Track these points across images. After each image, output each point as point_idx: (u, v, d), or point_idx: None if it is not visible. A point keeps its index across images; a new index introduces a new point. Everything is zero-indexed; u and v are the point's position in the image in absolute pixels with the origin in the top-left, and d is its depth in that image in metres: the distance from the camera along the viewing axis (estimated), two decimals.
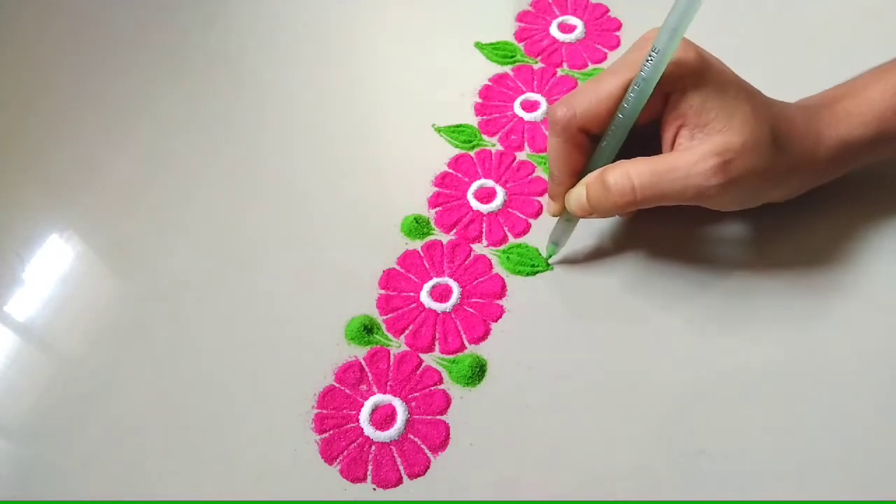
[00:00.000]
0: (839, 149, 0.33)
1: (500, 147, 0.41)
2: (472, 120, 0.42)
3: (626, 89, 0.31)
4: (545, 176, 0.39)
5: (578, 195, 0.33)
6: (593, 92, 0.32)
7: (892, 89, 0.33)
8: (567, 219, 0.35)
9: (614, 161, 0.33)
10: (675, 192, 0.31)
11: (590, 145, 0.33)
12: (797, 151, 0.32)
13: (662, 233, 0.37)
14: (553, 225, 0.36)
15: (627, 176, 0.31)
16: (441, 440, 0.31)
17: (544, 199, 0.37)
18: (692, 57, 0.31)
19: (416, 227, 0.38)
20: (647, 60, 0.30)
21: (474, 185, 0.39)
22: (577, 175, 0.34)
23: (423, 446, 0.31)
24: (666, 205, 0.32)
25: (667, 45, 0.29)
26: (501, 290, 0.36)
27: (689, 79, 0.31)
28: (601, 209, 0.32)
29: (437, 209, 0.38)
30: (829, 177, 0.35)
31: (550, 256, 0.36)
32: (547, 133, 0.37)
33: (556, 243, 0.36)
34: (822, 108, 0.34)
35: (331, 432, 0.32)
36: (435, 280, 0.36)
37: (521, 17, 0.47)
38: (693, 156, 0.31)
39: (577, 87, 0.43)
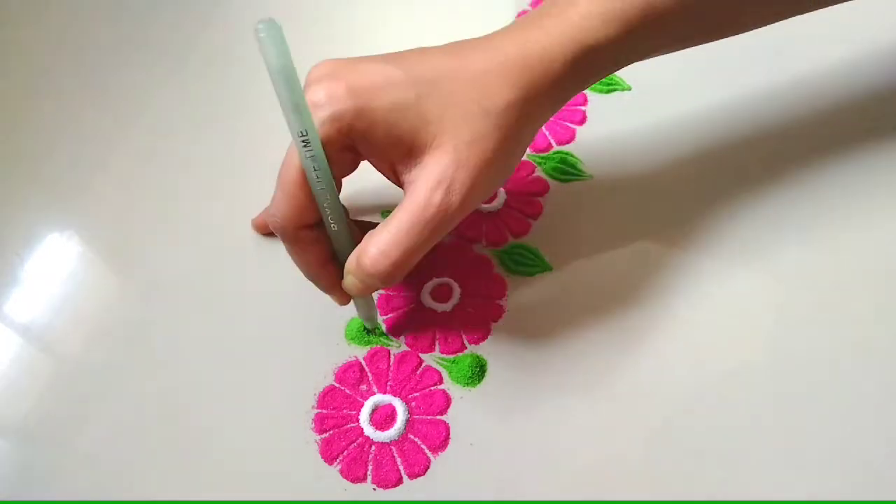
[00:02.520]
0: (577, 62, 0.29)
1: None
2: None
3: (304, 174, 0.28)
4: (545, 176, 0.39)
5: (353, 284, 0.30)
6: (283, 191, 0.29)
7: None
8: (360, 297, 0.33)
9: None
10: (431, 239, 0.29)
11: (319, 232, 0.30)
12: (522, 98, 0.29)
13: (662, 232, 0.37)
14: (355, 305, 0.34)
15: (382, 256, 0.28)
16: (441, 440, 0.31)
17: (328, 294, 0.33)
18: (341, 103, 0.27)
19: None
20: (302, 146, 0.27)
21: None
22: (330, 259, 0.31)
23: (423, 446, 0.31)
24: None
25: (302, 123, 0.26)
26: (501, 290, 0.36)
27: (357, 122, 0.27)
28: (379, 288, 0.31)
29: None
30: (574, 93, 0.31)
31: (378, 329, 0.35)
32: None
33: (369, 319, 0.34)
34: (530, 28, 0.30)
35: (331, 432, 0.32)
36: (435, 280, 0.36)
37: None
38: (419, 199, 0.28)
39: None
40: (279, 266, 0.37)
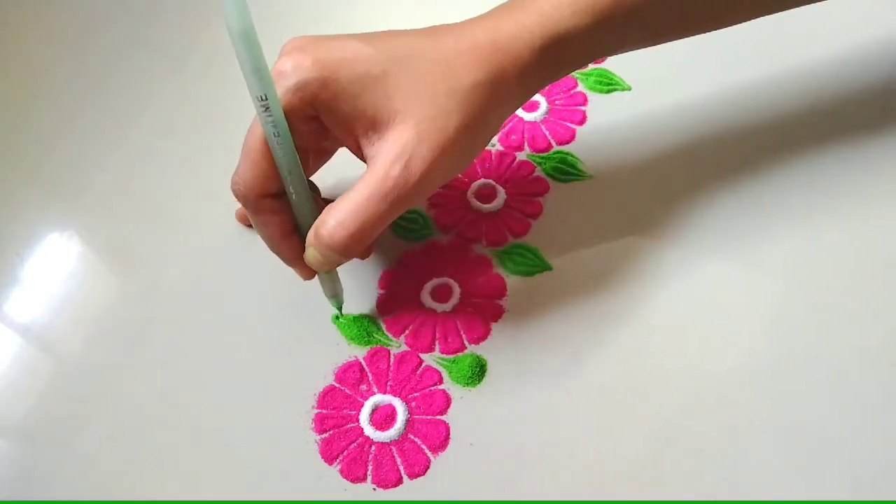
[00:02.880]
0: (546, 50, 0.29)
1: (500, 147, 0.41)
2: None
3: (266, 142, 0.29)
4: (545, 176, 0.39)
5: (313, 257, 0.30)
6: (246, 158, 0.29)
7: None
8: (325, 272, 0.33)
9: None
10: (389, 213, 0.29)
11: (282, 203, 0.30)
12: (489, 80, 0.29)
13: (661, 232, 0.37)
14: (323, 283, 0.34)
15: (339, 227, 0.28)
16: (441, 440, 0.31)
17: (292, 268, 0.33)
18: (306, 72, 0.27)
19: (416, 227, 0.38)
20: (262, 111, 0.27)
21: (474, 185, 0.39)
22: (293, 231, 0.31)
23: (423, 446, 0.31)
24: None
25: (262, 88, 0.26)
26: (501, 290, 0.36)
27: (321, 91, 0.28)
28: (339, 261, 0.31)
29: (436, 209, 0.38)
30: (546, 83, 0.31)
31: (340, 308, 0.35)
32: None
33: (334, 296, 0.34)
34: (502, 18, 0.30)
35: (331, 432, 0.32)
36: (435, 280, 0.36)
37: None
38: (378, 172, 0.28)
39: (577, 86, 0.43)
40: (279, 266, 0.37)
